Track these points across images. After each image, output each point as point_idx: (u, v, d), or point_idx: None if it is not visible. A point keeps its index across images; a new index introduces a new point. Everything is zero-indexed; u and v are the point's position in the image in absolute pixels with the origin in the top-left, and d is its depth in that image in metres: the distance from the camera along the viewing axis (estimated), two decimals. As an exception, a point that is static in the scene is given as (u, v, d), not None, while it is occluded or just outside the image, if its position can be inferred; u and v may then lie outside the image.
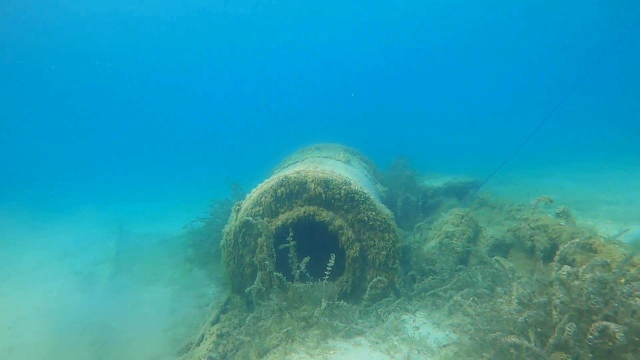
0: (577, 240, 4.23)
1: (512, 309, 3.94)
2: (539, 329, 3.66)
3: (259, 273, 5.96)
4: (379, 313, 5.68)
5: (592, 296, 3.25)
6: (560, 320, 3.27)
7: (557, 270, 3.83)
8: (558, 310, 3.33)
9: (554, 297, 3.43)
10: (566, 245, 4.06)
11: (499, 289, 5.23)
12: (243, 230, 6.33)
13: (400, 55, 55.80)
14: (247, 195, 6.58)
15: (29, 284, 8.94)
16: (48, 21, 34.32)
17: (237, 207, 6.60)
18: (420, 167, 11.46)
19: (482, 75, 61.16)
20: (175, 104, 62.52)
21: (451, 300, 5.48)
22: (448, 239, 6.86)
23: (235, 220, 6.43)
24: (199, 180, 24.62)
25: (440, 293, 5.80)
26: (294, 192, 6.16)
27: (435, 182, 10.79)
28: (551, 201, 4.17)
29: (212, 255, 8.66)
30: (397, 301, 5.89)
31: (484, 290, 5.36)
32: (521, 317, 3.62)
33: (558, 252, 4.42)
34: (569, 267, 3.59)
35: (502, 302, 4.56)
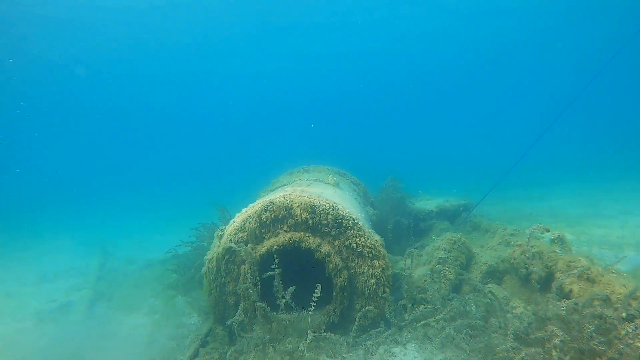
0: (575, 271, 4.02)
1: (508, 346, 3.69)
2: (537, 369, 3.42)
3: (242, 303, 5.67)
4: (368, 346, 5.39)
5: (594, 335, 3.03)
6: (561, 362, 3.04)
7: (556, 305, 3.62)
8: (558, 350, 3.10)
9: (553, 336, 3.20)
10: (564, 276, 3.85)
11: (493, 321, 4.99)
12: (226, 257, 6.05)
13: (390, 77, 56.37)
14: (231, 221, 6.33)
15: (-2, 313, 8.53)
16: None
17: (220, 233, 6.34)
18: (412, 188, 11.30)
19: (473, 97, 61.97)
20: (162, 124, 62.32)
21: (444, 332, 5.22)
22: (440, 266, 6.63)
23: (218, 246, 6.16)
24: (186, 202, 24.24)
25: (432, 324, 5.54)
26: (279, 217, 5.92)
27: (427, 204, 10.62)
28: (548, 231, 3.99)
29: (195, 282, 8.32)
30: (388, 332, 5.61)
31: (477, 321, 5.11)
32: (518, 357, 3.38)
33: (554, 283, 4.21)
34: (567, 302, 3.37)
35: (497, 337, 4.32)
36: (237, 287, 5.82)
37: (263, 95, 59.89)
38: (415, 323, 5.72)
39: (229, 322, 5.45)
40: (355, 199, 8.55)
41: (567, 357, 2.99)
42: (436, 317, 5.56)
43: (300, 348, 4.97)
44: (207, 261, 6.23)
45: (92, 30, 33.68)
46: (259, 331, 5.38)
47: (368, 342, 5.46)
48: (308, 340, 5.02)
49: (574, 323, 3.20)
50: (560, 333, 3.16)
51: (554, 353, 3.11)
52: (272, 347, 5.15)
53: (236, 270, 6.05)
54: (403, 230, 9.41)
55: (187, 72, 49.18)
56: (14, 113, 49.33)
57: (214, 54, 44.26)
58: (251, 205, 6.25)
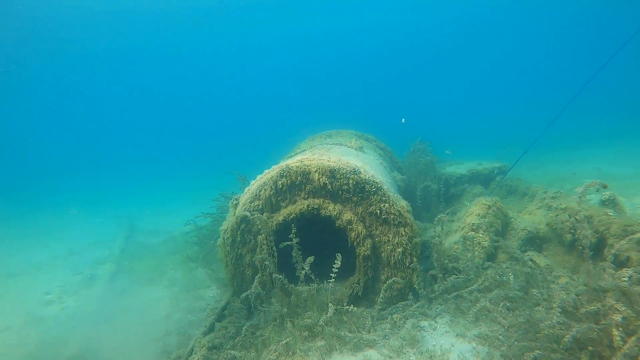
0: (636, 236, 3.45)
1: (555, 321, 3.20)
2: (591, 349, 2.93)
3: (258, 275, 5.35)
4: (395, 319, 4.99)
5: (666, 311, 2.50)
6: (624, 343, 2.53)
7: (613, 274, 3.08)
8: (621, 329, 2.59)
9: (612, 311, 2.69)
10: (620, 241, 3.29)
11: (534, 292, 4.48)
12: (242, 227, 5.72)
13: (418, 37, 54.05)
14: (246, 189, 5.96)
15: (27, 286, 8.59)
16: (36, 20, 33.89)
17: (235, 202, 5.99)
18: (441, 153, 10.60)
19: (506, 55, 58.73)
20: (183, 98, 62.38)
21: (478, 305, 4.75)
22: (473, 232, 6.10)
23: (233, 216, 5.83)
24: (211, 174, 24.17)
25: (465, 295, 5.07)
26: (296, 183, 5.50)
27: (458, 169, 9.96)
28: (605, 187, 3.40)
29: (216, 254, 8.09)
30: (416, 305, 5.19)
31: (516, 293, 4.61)
32: (568, 335, 2.89)
33: (608, 249, 3.65)
34: (630, 272, 2.83)
35: (540, 310, 3.83)
36: (254, 259, 5.49)
37: (284, 64, 58.94)
38: (446, 295, 5.27)
39: (243, 294, 5.14)
40: (381, 163, 8.03)
41: (633, 338, 2.48)
42: (469, 288, 5.10)
43: (320, 322, 4.61)
44: (222, 232, 5.92)
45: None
46: (276, 304, 5.06)
47: (394, 316, 5.06)
48: (329, 314, 4.65)
49: (638, 296, 2.68)
50: (623, 308, 2.65)
51: (614, 332, 2.60)
52: (291, 321, 4.82)
53: (253, 241, 5.72)
54: (432, 196, 8.86)
55: (205, 43, 48.78)
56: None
57: (232, 22, 43.61)
58: (267, 171, 5.85)
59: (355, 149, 7.49)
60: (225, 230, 5.86)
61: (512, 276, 4.98)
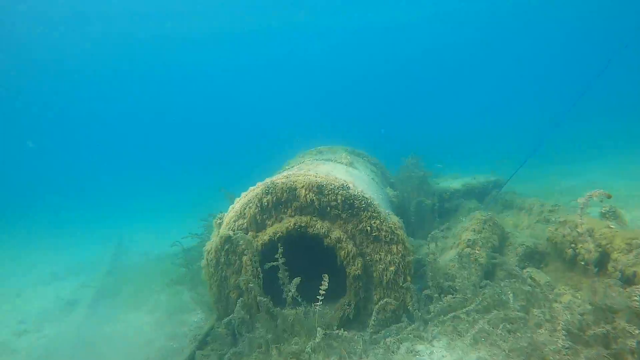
0: (644, 249, 3.20)
1: (560, 345, 2.93)
2: (601, 376, 2.65)
3: (241, 298, 5.05)
4: (389, 343, 4.69)
5: (685, 334, 2.24)
6: (640, 373, 2.27)
7: (621, 292, 2.82)
8: (636, 356, 2.32)
9: (625, 335, 2.42)
10: (630, 256, 3.04)
11: (536, 312, 4.20)
12: (225, 247, 5.43)
13: (407, 53, 54.33)
14: (230, 207, 5.69)
15: (3, 314, 8.20)
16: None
17: (219, 221, 5.72)
18: (434, 167, 10.38)
19: (496, 69, 59.12)
20: (171, 111, 62.16)
21: (476, 327, 4.46)
22: (469, 249, 5.85)
23: (217, 235, 5.55)
24: (200, 189, 23.77)
25: (463, 316, 4.78)
26: (282, 200, 5.25)
27: (452, 183, 9.75)
28: (609, 197, 3.17)
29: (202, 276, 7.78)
30: (410, 327, 4.89)
31: (517, 313, 4.33)
32: (577, 361, 2.61)
33: (612, 264, 3.40)
34: (641, 290, 2.57)
35: (543, 333, 3.55)
36: (239, 281, 5.18)
37: (273, 78, 58.83)
38: (442, 316, 4.98)
39: (226, 319, 4.83)
40: (373, 179, 7.80)
41: (651, 366, 2.22)
42: (466, 308, 4.81)
43: (307, 349, 4.31)
44: (205, 252, 5.63)
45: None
46: (261, 330, 4.75)
47: (388, 339, 4.76)
48: (317, 340, 4.35)
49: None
50: (637, 331, 2.39)
51: (628, 359, 2.34)
52: (277, 348, 4.51)
53: (237, 262, 5.43)
54: (426, 211, 8.62)
55: (192, 59, 48.75)
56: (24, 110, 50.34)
57: (218, 38, 43.68)
58: (252, 188, 5.59)
59: (346, 165, 7.26)
60: (209, 251, 5.57)
61: (512, 295, 4.71)
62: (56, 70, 43.13)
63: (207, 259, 5.57)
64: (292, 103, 63.35)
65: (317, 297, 4.43)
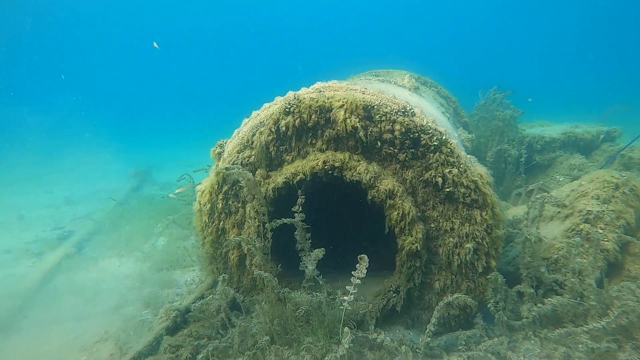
0: None
1: None
2: None
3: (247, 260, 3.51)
4: (454, 363, 3.05)
5: None
6: None
7: None
8: None
9: None
10: None
11: None
12: (224, 188, 3.84)
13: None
14: (235, 131, 4.03)
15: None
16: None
17: (218, 150, 4.10)
18: (523, 105, 8.05)
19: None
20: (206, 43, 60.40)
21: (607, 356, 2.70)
22: (588, 225, 3.93)
23: (214, 171, 3.95)
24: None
25: (583, 338, 3.00)
26: (308, 125, 3.50)
27: (547, 130, 7.57)
28: None
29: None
30: (491, 341, 3.19)
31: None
32: None
33: None
34: None
35: None
36: (240, 239, 3.58)
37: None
38: (542, 328, 3.24)
39: (201, 302, 3.32)
40: (443, 113, 5.89)
41: None
42: (592, 326, 3.01)
43: None
44: (198, 194, 4.07)
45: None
46: (261, 318, 3.20)
47: (454, 357, 3.11)
48: (342, 349, 2.72)
49: None
50: None
51: None
52: (277, 351, 2.94)
53: (240, 211, 3.84)
54: (509, 164, 6.63)
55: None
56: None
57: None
58: (266, 105, 3.87)
59: (409, 89, 5.35)
60: (202, 192, 4.00)
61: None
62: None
63: (199, 203, 4.03)
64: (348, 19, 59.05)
65: (348, 287, 2.77)
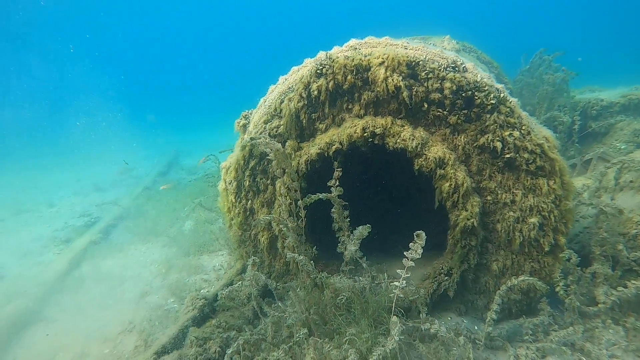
0: None
1: None
2: None
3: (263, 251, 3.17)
4: (519, 354, 2.64)
5: None
6: None
7: None
8: None
9: None
10: None
11: None
12: (251, 163, 3.49)
13: None
14: (261, 100, 3.65)
15: (22, 228, 7.25)
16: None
17: (243, 121, 3.74)
18: (573, 66, 7.29)
19: None
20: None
21: None
22: (671, 195, 3.40)
23: (239, 145, 3.60)
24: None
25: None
26: (343, 87, 3.09)
27: (603, 95, 6.88)
28: None
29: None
30: (565, 331, 2.75)
31: None
32: None
33: None
34: None
35: None
36: (271, 218, 3.22)
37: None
38: (621, 316, 2.78)
39: (228, 290, 2.99)
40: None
41: None
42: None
43: (374, 358, 2.34)
44: (223, 171, 3.74)
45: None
46: (297, 308, 2.85)
47: (521, 349, 2.69)
48: (392, 341, 2.34)
49: None
50: None
51: None
52: (317, 344, 2.59)
53: (270, 188, 3.49)
54: (560, 133, 6.04)
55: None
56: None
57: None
58: (294, 68, 3.47)
59: (451, 51, 4.82)
60: (228, 169, 3.66)
61: None
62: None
63: (224, 181, 3.70)
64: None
65: (399, 271, 2.37)
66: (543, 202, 2.89)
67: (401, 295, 2.66)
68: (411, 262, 2.19)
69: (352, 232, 2.79)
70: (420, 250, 2.19)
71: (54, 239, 6.47)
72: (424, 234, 2.23)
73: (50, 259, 5.61)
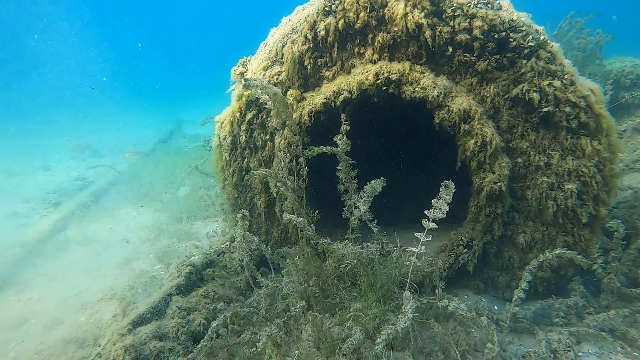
0: None
1: None
2: None
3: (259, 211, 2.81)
4: (552, 342, 2.28)
5: None
6: None
7: None
8: None
9: None
10: None
11: None
12: (248, 115, 3.09)
13: None
14: (261, 44, 3.24)
15: (14, 190, 6.98)
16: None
17: (242, 69, 3.32)
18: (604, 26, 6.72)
19: None
20: None
21: None
22: None
23: (235, 96, 3.20)
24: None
25: None
26: (354, 27, 2.66)
27: (632, 63, 6.36)
28: None
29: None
30: (604, 314, 2.40)
31: None
32: None
33: None
34: None
35: None
36: (268, 177, 2.84)
37: None
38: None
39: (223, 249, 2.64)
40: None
41: None
42: None
43: (377, 348, 1.98)
44: (217, 125, 3.35)
45: None
46: (294, 278, 2.50)
47: (552, 333, 2.34)
48: (404, 321, 1.97)
49: None
50: None
51: None
52: (317, 319, 2.24)
53: (268, 145, 3.11)
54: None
55: None
56: None
57: None
58: (299, 7, 3.04)
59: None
60: (222, 122, 3.27)
61: None
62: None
63: (218, 137, 3.32)
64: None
65: (418, 235, 1.99)
66: (584, 165, 2.49)
67: (419, 264, 2.29)
68: (432, 223, 1.81)
69: (360, 189, 2.41)
70: (445, 208, 1.81)
71: (44, 202, 6.18)
72: (452, 184, 1.85)
73: (34, 222, 5.32)
